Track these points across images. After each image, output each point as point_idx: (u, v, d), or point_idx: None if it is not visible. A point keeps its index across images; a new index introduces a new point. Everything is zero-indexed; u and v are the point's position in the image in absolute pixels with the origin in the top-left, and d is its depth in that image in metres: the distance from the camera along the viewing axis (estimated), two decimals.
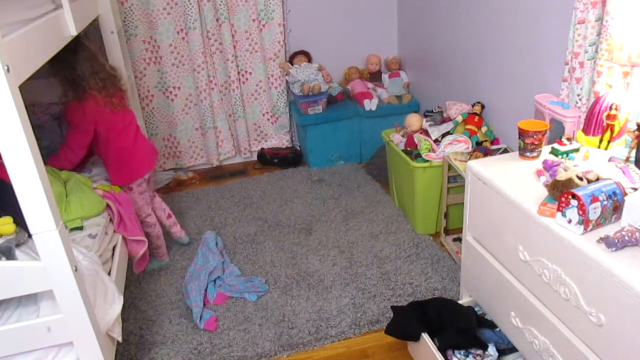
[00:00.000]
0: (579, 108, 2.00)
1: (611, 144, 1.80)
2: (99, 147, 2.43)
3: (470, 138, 2.69)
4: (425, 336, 1.91)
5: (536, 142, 1.81)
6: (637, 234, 1.32)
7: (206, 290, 2.47)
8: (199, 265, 2.62)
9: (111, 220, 2.30)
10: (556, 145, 1.85)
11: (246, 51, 3.64)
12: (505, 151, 2.52)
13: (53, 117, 3.12)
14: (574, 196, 1.39)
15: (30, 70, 1.49)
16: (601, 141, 1.82)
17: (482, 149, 2.52)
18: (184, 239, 2.90)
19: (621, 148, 1.76)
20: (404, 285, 2.48)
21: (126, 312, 2.39)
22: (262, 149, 3.91)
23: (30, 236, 1.54)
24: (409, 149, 2.87)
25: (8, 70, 1.26)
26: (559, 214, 1.45)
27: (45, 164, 1.47)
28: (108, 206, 2.30)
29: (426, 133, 2.89)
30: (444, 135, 2.82)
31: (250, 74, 3.72)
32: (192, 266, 2.64)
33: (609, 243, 1.32)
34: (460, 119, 2.83)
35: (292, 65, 3.66)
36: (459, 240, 2.65)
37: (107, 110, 2.34)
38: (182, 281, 2.59)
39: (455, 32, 3.07)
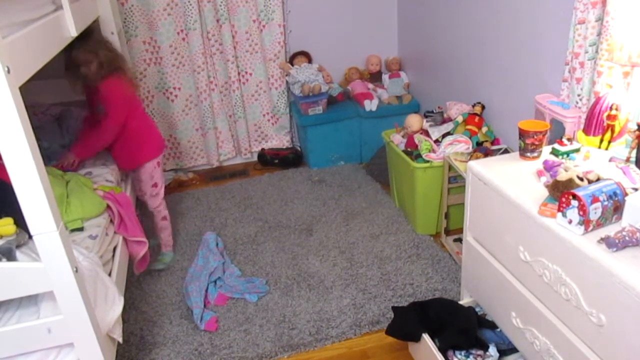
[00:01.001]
0: (579, 108, 2.00)
1: (611, 144, 1.80)
2: (127, 123, 2.48)
3: (470, 138, 2.69)
4: (426, 336, 1.91)
5: (536, 142, 1.81)
6: (638, 234, 1.32)
7: (206, 291, 2.47)
8: (199, 265, 2.63)
9: (111, 221, 2.30)
10: (556, 146, 1.85)
11: (246, 51, 3.64)
12: (506, 151, 2.52)
13: (53, 118, 3.12)
14: (574, 196, 1.39)
15: (31, 71, 1.49)
16: (601, 141, 1.82)
17: (482, 149, 2.52)
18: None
19: (621, 148, 1.76)
20: (404, 285, 2.48)
21: (126, 312, 2.39)
22: (262, 149, 3.91)
23: (30, 237, 1.54)
24: (409, 149, 2.87)
25: (8, 71, 1.26)
26: (559, 214, 1.45)
27: (46, 164, 1.47)
28: (108, 207, 2.30)
29: (426, 133, 2.89)
30: (444, 136, 2.82)
31: (250, 74, 3.72)
32: (192, 267, 2.64)
33: (610, 243, 1.32)
34: (460, 119, 2.83)
35: (292, 65, 3.67)
36: (459, 240, 2.65)
37: (132, 88, 2.51)
38: (182, 282, 2.59)
39: (455, 32, 3.07)
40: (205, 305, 2.39)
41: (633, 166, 1.67)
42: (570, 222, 1.42)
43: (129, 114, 2.45)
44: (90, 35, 2.35)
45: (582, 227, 1.39)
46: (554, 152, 1.84)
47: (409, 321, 2.00)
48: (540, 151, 1.84)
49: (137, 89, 2.65)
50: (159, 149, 2.62)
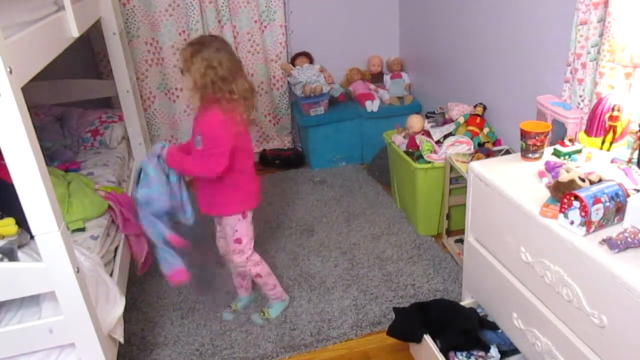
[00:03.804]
0: (581, 109, 2.00)
1: (613, 145, 1.80)
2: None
3: (471, 139, 2.69)
4: (427, 337, 1.90)
5: (538, 143, 1.81)
6: (639, 235, 1.32)
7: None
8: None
9: (113, 222, 2.30)
10: (558, 147, 1.85)
11: (247, 52, 3.64)
12: (507, 152, 2.52)
13: (55, 119, 3.13)
14: (576, 197, 1.39)
15: (33, 71, 1.49)
16: (603, 142, 1.82)
17: (483, 150, 2.52)
18: (287, 299, 2.40)
19: (623, 149, 1.76)
20: (405, 286, 2.48)
21: (128, 313, 2.38)
22: (264, 150, 3.91)
23: (32, 237, 1.54)
24: (410, 150, 2.87)
25: (10, 72, 1.26)
26: (561, 215, 1.45)
27: (48, 164, 1.47)
28: (110, 207, 2.30)
29: (428, 134, 2.89)
30: (445, 136, 2.81)
31: (252, 75, 3.72)
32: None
33: (611, 244, 1.32)
34: (461, 119, 2.83)
35: (294, 66, 3.67)
36: (461, 241, 2.65)
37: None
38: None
39: (457, 32, 3.07)
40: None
41: (635, 167, 1.67)
42: (571, 223, 1.42)
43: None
44: None
45: (584, 228, 1.39)
46: (556, 153, 1.84)
47: (410, 322, 2.00)
48: (542, 152, 1.84)
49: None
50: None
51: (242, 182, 2.06)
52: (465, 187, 1.99)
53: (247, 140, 2.04)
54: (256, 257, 2.22)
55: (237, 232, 2.12)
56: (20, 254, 1.73)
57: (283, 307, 2.35)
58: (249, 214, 2.14)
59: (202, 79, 1.84)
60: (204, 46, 1.86)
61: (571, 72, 2.03)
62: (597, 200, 1.37)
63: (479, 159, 2.34)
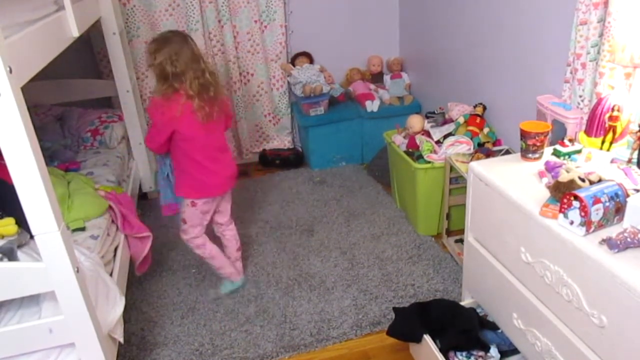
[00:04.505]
0: (581, 109, 2.00)
1: (613, 145, 1.80)
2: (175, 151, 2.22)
3: (471, 139, 2.69)
4: (427, 337, 1.90)
5: (538, 143, 1.81)
6: (639, 235, 1.32)
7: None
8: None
9: (112, 221, 2.30)
10: (558, 147, 1.85)
11: (247, 52, 3.64)
12: (507, 152, 2.52)
13: (55, 118, 3.14)
14: (576, 197, 1.39)
15: (33, 71, 1.50)
16: (603, 142, 1.82)
17: (483, 150, 2.52)
18: (237, 281, 2.53)
19: (623, 149, 1.76)
20: (405, 286, 2.48)
21: (127, 312, 2.39)
22: (264, 150, 3.91)
23: (32, 237, 1.54)
24: (410, 150, 2.87)
25: (10, 71, 1.26)
26: (561, 215, 1.45)
27: (48, 164, 1.46)
28: (110, 207, 2.30)
29: (427, 134, 2.89)
30: (445, 136, 2.81)
31: (252, 75, 3.72)
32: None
33: (611, 244, 1.32)
34: (461, 119, 2.83)
35: (294, 66, 3.67)
36: (461, 241, 2.65)
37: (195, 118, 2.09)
38: (183, 282, 2.60)
39: (457, 32, 3.07)
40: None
41: (635, 167, 1.67)
42: (571, 223, 1.42)
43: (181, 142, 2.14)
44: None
45: (584, 228, 1.39)
46: (556, 153, 1.84)
47: (410, 322, 2.00)
48: (542, 152, 1.84)
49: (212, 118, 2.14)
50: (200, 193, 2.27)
51: (189, 170, 2.21)
52: (465, 187, 1.99)
53: (203, 131, 2.14)
54: (199, 241, 2.38)
55: (184, 212, 2.31)
56: (20, 253, 1.73)
57: (232, 287, 2.51)
58: (200, 205, 2.28)
59: (161, 73, 2.04)
60: (165, 43, 2.04)
61: (571, 72, 2.03)
62: (597, 200, 1.37)
63: (479, 159, 2.34)
